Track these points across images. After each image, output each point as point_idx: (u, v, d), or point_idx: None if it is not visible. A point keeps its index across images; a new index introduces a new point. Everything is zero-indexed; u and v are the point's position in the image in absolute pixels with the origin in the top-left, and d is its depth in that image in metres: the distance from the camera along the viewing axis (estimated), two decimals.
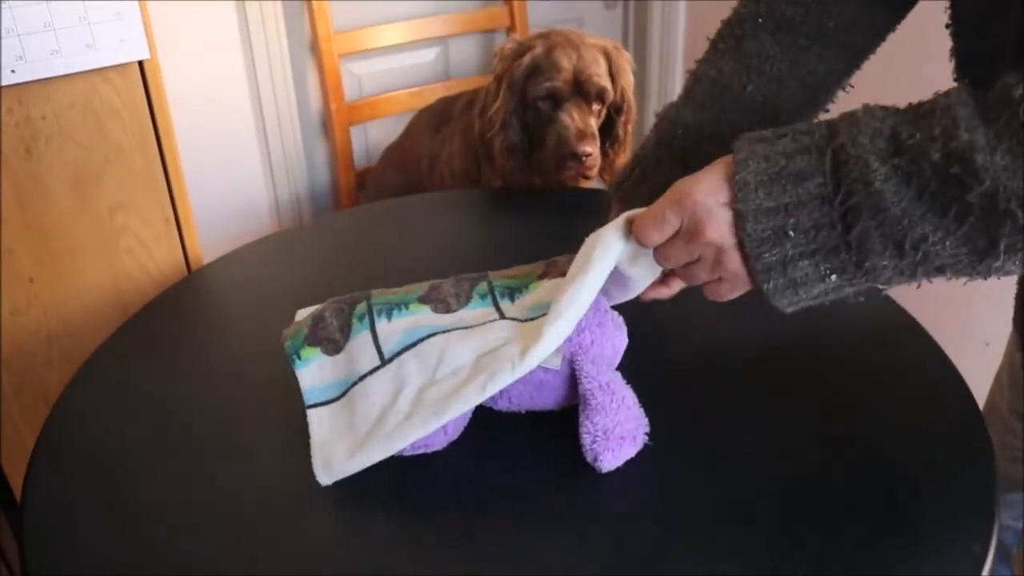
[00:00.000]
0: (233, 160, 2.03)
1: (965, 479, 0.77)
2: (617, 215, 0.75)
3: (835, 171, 0.61)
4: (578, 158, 1.40)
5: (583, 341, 0.81)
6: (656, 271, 0.78)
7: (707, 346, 0.95)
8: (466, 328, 0.81)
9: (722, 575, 0.68)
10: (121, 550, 0.73)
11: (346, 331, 0.83)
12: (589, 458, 0.77)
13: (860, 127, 0.61)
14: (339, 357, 0.83)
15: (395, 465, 0.79)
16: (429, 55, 2.28)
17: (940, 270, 0.61)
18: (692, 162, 0.85)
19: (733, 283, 0.70)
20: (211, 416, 0.89)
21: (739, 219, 0.65)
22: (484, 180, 1.55)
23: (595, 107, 1.45)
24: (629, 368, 0.84)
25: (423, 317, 0.83)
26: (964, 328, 1.62)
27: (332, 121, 2.09)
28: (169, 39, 1.63)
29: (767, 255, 0.65)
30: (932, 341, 0.95)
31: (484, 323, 0.82)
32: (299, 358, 0.84)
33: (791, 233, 0.64)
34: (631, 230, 0.73)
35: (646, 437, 0.79)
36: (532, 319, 0.81)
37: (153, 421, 0.89)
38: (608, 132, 1.51)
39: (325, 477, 0.78)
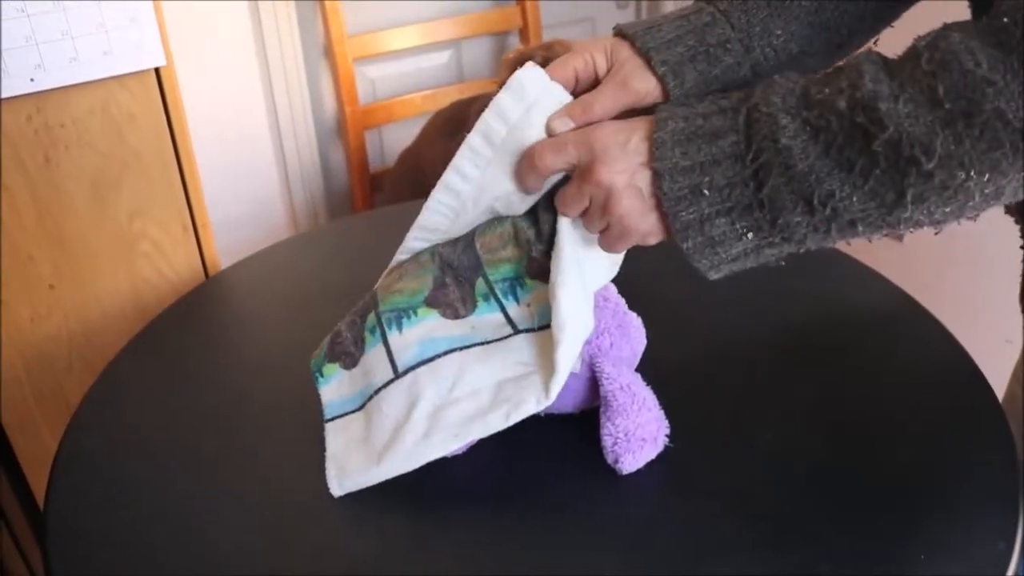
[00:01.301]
0: (248, 165, 2.04)
1: (988, 476, 0.76)
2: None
3: (747, 129, 0.62)
4: None
5: (602, 344, 0.81)
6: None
7: (724, 345, 0.95)
8: (483, 344, 0.81)
9: (744, 575, 0.68)
10: (144, 556, 0.74)
11: (360, 344, 0.83)
12: (610, 460, 0.77)
13: (774, 88, 0.62)
14: (356, 371, 0.83)
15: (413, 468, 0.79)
16: (442, 58, 2.29)
17: (852, 225, 0.62)
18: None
19: (621, 231, 0.70)
20: (231, 421, 0.89)
21: (656, 177, 0.65)
22: None
23: None
24: (646, 369, 0.84)
25: (434, 325, 0.82)
26: (984, 325, 1.61)
27: (346, 125, 2.10)
28: (184, 45, 1.64)
29: (684, 213, 0.65)
30: (952, 337, 0.94)
31: (501, 338, 0.81)
32: (322, 376, 0.84)
33: (706, 192, 0.64)
34: (533, 165, 0.72)
35: (666, 439, 0.79)
36: (545, 327, 0.81)
37: (174, 426, 0.89)
38: None
39: (338, 488, 0.78)
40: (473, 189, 0.77)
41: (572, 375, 0.80)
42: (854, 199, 0.60)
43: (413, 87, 2.24)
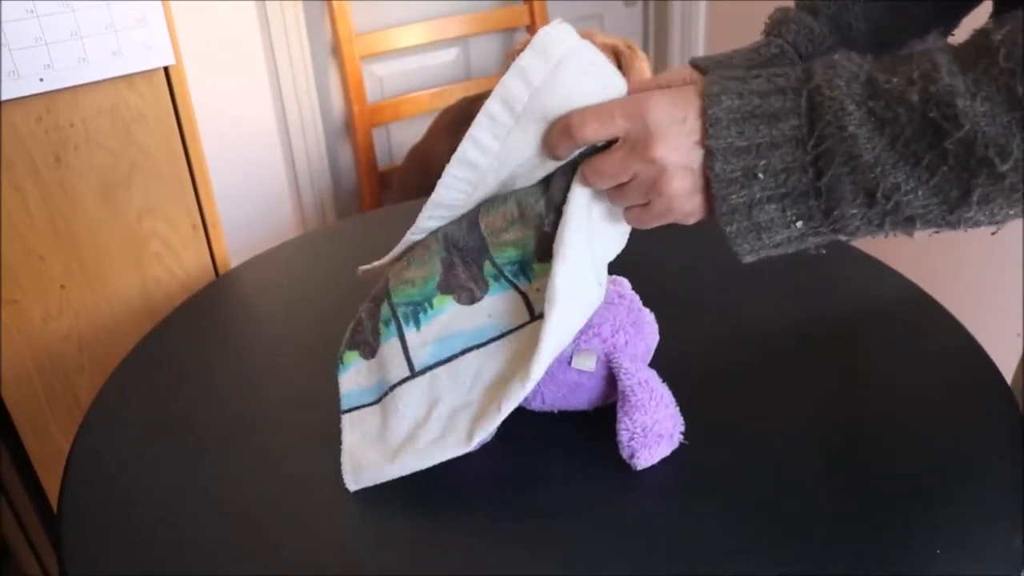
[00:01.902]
0: (257, 163, 2.04)
1: (1002, 472, 0.76)
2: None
3: (810, 112, 0.59)
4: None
5: (618, 341, 0.80)
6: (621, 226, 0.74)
7: (737, 341, 0.95)
8: (501, 337, 0.78)
9: (758, 574, 0.68)
10: (159, 554, 0.74)
11: (376, 335, 0.82)
12: (625, 455, 0.77)
13: (837, 70, 0.59)
14: (373, 362, 0.82)
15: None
16: (449, 55, 2.29)
17: (909, 221, 0.60)
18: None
19: (663, 210, 0.67)
20: (242, 419, 0.89)
21: (708, 157, 0.62)
22: None
23: None
24: (659, 366, 0.84)
25: (452, 317, 0.80)
26: (995, 319, 1.60)
27: (354, 122, 2.10)
28: (192, 44, 1.64)
29: (734, 196, 0.63)
30: (966, 332, 0.94)
31: (520, 328, 0.78)
32: (342, 363, 0.83)
33: (760, 175, 0.61)
34: (571, 134, 0.67)
35: (681, 436, 0.78)
36: None
37: (185, 425, 0.89)
38: None
39: (353, 483, 0.78)
40: (492, 161, 0.72)
41: (588, 374, 0.80)
42: (919, 192, 0.57)
43: (421, 85, 2.24)
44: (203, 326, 1.08)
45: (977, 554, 0.68)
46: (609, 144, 0.67)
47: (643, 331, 0.84)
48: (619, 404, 0.78)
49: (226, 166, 1.90)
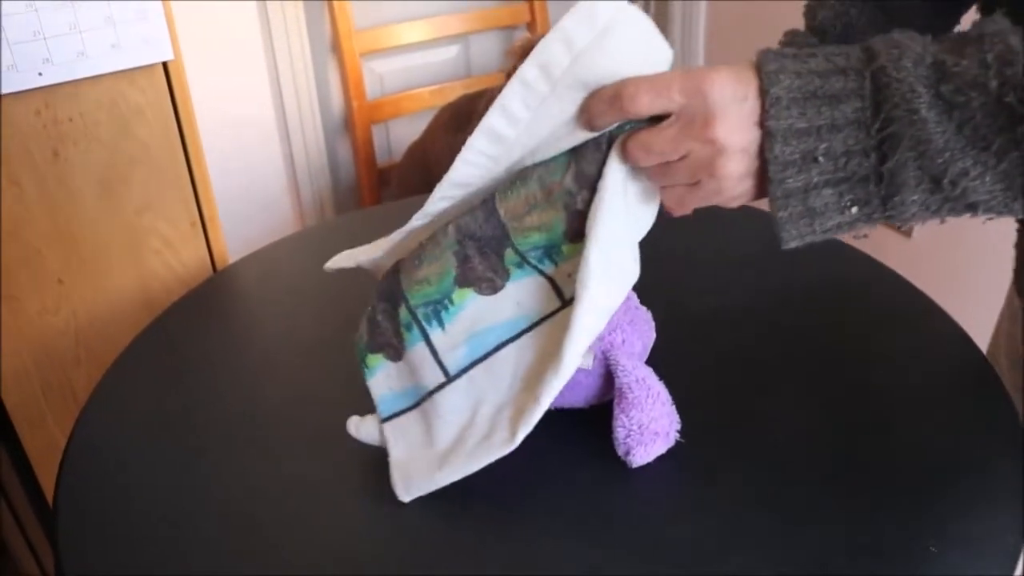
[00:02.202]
0: (256, 159, 2.04)
1: (999, 470, 0.76)
2: None
3: (875, 94, 0.56)
4: None
5: (615, 340, 0.80)
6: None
7: (732, 339, 0.95)
8: (533, 327, 0.74)
9: (755, 572, 0.68)
10: (155, 549, 0.74)
11: (400, 339, 0.77)
12: (621, 452, 0.77)
13: (903, 50, 0.56)
14: (402, 364, 0.78)
15: None
16: (450, 52, 2.29)
17: (971, 207, 0.58)
18: None
19: (710, 193, 0.63)
20: (240, 415, 0.89)
21: (768, 138, 0.59)
22: None
23: None
24: (655, 365, 0.84)
25: (477, 311, 0.74)
26: (991, 320, 1.60)
27: (354, 119, 2.10)
28: (192, 40, 1.64)
29: (791, 180, 0.60)
30: (962, 331, 0.94)
31: (551, 316, 0.73)
32: (367, 367, 0.79)
33: (820, 159, 0.59)
34: (620, 105, 0.62)
35: (678, 434, 0.78)
36: None
37: (182, 420, 0.89)
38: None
39: (405, 494, 0.75)
40: (519, 133, 0.66)
41: (584, 371, 0.80)
42: (986, 180, 0.55)
43: (421, 82, 2.24)
44: (201, 321, 1.08)
45: (974, 550, 0.68)
46: (655, 119, 0.63)
47: (640, 329, 0.84)
48: (616, 401, 0.78)
49: (225, 162, 1.89)
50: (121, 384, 0.96)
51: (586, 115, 0.64)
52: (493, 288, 0.74)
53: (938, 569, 0.67)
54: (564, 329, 0.68)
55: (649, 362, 0.85)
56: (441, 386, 0.75)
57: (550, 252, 0.72)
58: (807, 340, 0.94)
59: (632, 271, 0.69)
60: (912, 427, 0.81)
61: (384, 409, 0.78)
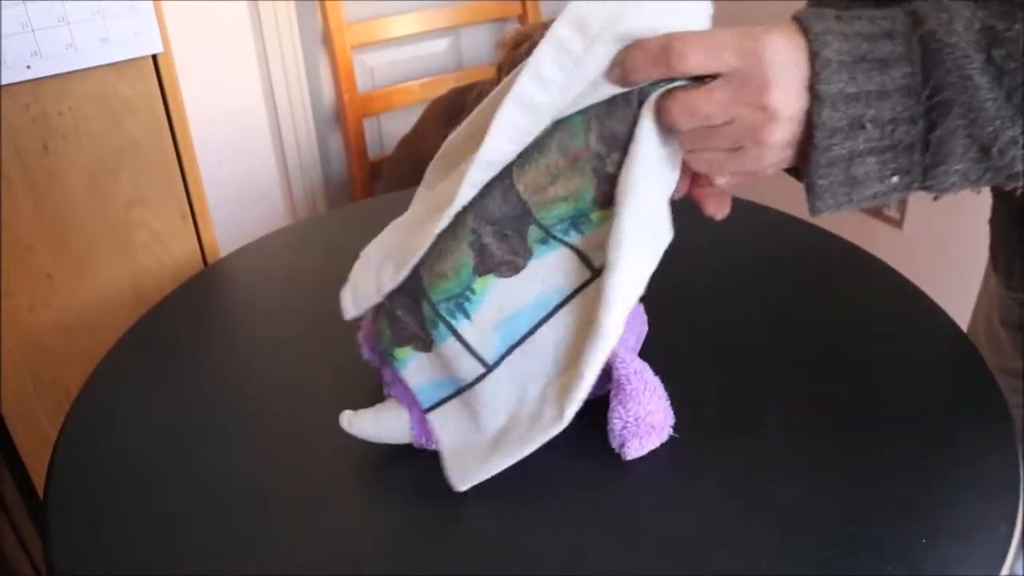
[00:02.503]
0: (247, 153, 2.04)
1: (988, 461, 0.76)
2: None
3: (924, 60, 0.54)
4: None
5: None
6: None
7: (723, 333, 0.95)
8: (565, 303, 0.70)
9: (747, 566, 0.68)
10: (146, 545, 0.74)
11: (426, 332, 0.74)
12: (615, 444, 0.77)
13: (952, 14, 0.54)
14: (433, 356, 0.74)
15: (415, 456, 0.79)
16: (441, 45, 2.28)
17: (1013, 178, 0.56)
18: None
19: (750, 160, 0.60)
20: (231, 409, 0.89)
21: (817, 103, 0.56)
22: None
23: None
24: (648, 354, 0.84)
25: (502, 297, 0.71)
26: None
27: (345, 112, 2.09)
28: (182, 32, 1.63)
29: (836, 148, 0.57)
30: (954, 323, 0.94)
31: (583, 288, 0.69)
32: (396, 359, 0.76)
33: (867, 125, 0.56)
34: (667, 63, 0.58)
35: (671, 430, 0.78)
36: None
37: (174, 415, 0.89)
38: None
39: (461, 483, 0.73)
40: (553, 98, 0.62)
41: None
42: None
43: (412, 75, 2.24)
44: (192, 315, 1.08)
45: (966, 541, 0.69)
46: (696, 78, 0.59)
47: (632, 322, 0.84)
48: (612, 393, 0.78)
49: (216, 156, 1.89)
50: (112, 379, 0.95)
51: (621, 68, 0.60)
52: (515, 269, 0.70)
53: (930, 560, 0.67)
54: (599, 299, 0.64)
55: (641, 356, 0.85)
56: (481, 376, 0.72)
57: (577, 222, 0.68)
58: (799, 334, 0.94)
59: (666, 233, 0.66)
60: (904, 419, 0.81)
61: (425, 399, 0.75)
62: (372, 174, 2.17)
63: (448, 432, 0.75)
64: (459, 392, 0.75)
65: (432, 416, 0.76)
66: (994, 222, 0.90)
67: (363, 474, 0.79)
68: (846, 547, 0.68)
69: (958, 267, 2.01)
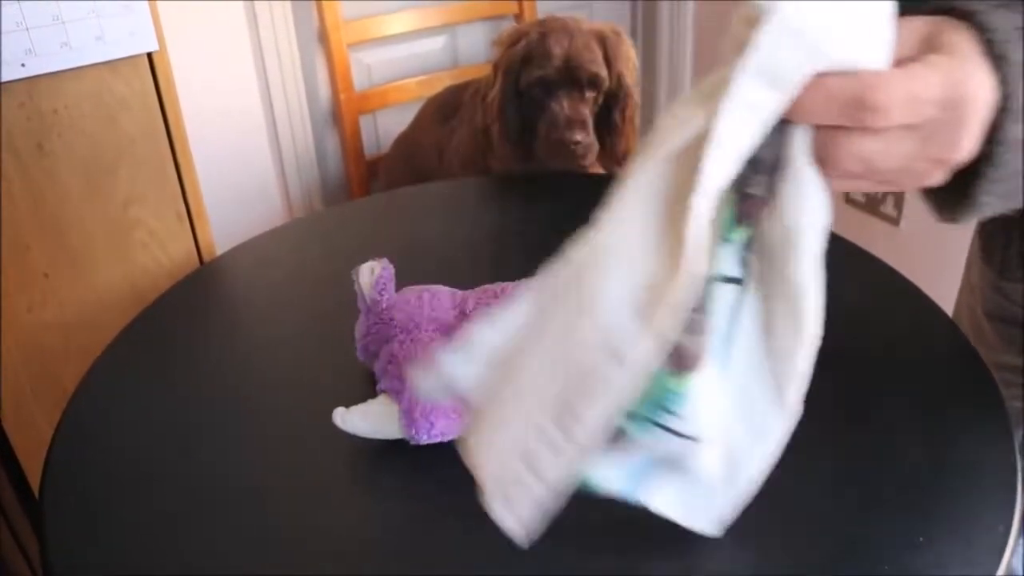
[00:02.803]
0: (243, 151, 2.03)
1: (986, 458, 0.76)
2: None
3: None
4: (567, 146, 1.39)
5: None
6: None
7: None
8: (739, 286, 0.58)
9: (744, 565, 0.68)
10: (142, 544, 0.73)
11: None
12: None
13: None
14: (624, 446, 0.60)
15: (410, 453, 0.79)
16: (437, 43, 2.28)
17: None
18: None
19: (895, 187, 0.53)
20: (227, 407, 0.89)
21: (1002, 115, 0.50)
22: (491, 169, 1.54)
23: (588, 94, 1.43)
24: None
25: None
26: None
27: (342, 110, 2.09)
28: (177, 30, 1.63)
29: (1012, 162, 0.52)
30: (951, 322, 0.94)
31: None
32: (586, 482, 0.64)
33: None
34: (863, 119, 0.47)
35: None
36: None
37: (170, 413, 0.89)
38: (607, 120, 1.49)
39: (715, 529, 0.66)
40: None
41: None
42: None
43: (408, 72, 2.23)
44: (188, 314, 1.07)
45: (963, 542, 0.69)
46: None
47: None
48: None
49: (212, 154, 1.88)
50: (108, 378, 0.95)
51: (801, 112, 0.49)
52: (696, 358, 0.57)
53: (928, 560, 0.67)
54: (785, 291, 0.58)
55: None
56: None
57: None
58: None
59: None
60: (901, 419, 0.81)
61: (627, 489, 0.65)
62: (369, 172, 2.17)
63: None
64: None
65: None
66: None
67: (359, 471, 0.79)
68: (843, 546, 0.68)
69: (955, 265, 2.01)
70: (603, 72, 1.43)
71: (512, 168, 1.47)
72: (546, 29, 1.44)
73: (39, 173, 1.10)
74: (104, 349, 0.99)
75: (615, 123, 1.49)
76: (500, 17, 2.29)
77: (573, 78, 1.41)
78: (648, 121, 2.56)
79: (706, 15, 2.31)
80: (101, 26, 1.07)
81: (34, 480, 1.29)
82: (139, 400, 0.91)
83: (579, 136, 1.39)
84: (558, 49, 1.40)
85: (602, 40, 1.45)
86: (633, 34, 2.54)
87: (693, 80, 2.43)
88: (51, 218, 1.14)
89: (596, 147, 1.43)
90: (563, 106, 1.40)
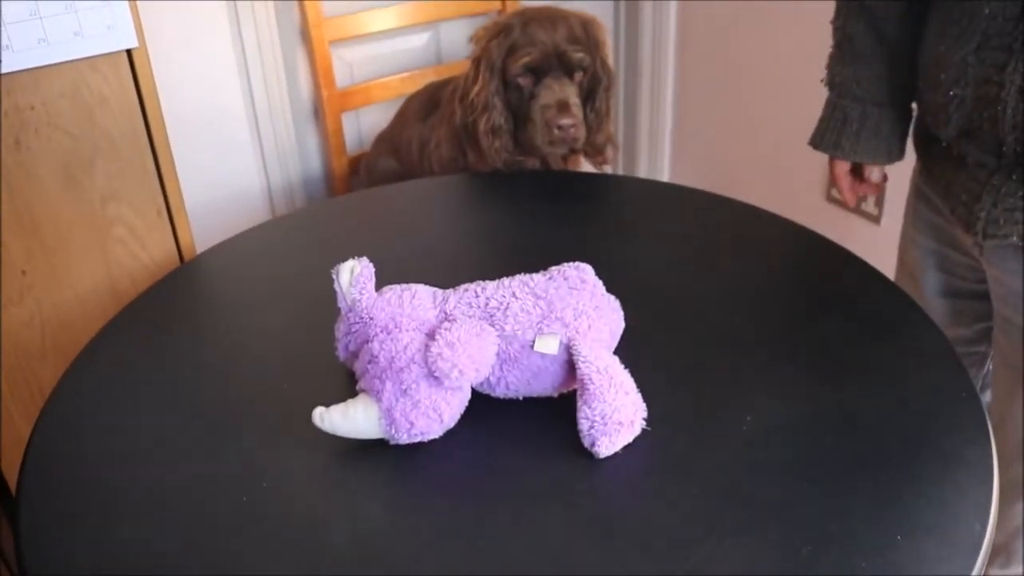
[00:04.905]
0: (225, 148, 2.02)
1: (963, 459, 0.76)
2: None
3: None
4: (563, 129, 1.39)
5: (580, 326, 0.80)
6: None
7: (701, 328, 0.95)
8: None
9: (723, 563, 0.68)
10: (117, 542, 0.73)
11: None
12: (586, 443, 0.77)
13: None
14: None
15: (390, 453, 0.79)
16: (420, 40, 2.27)
17: None
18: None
19: None
20: (205, 407, 0.88)
21: None
22: (471, 166, 1.54)
23: (576, 77, 1.44)
24: (625, 352, 0.84)
25: None
26: None
27: (324, 108, 2.08)
28: (157, 26, 1.62)
29: None
30: (929, 320, 0.95)
31: None
32: None
33: None
34: None
35: (644, 422, 0.78)
36: None
37: (148, 413, 0.88)
38: (590, 104, 1.50)
39: None
40: None
41: (551, 358, 0.80)
42: None
43: (391, 70, 2.22)
44: (167, 312, 1.07)
45: (941, 538, 0.69)
46: None
47: (606, 316, 0.84)
48: (578, 392, 0.78)
49: (194, 151, 1.87)
50: (87, 376, 0.95)
51: None
52: None
53: (906, 557, 0.67)
54: None
55: (618, 350, 0.85)
56: None
57: None
58: (776, 329, 0.95)
59: None
60: (880, 416, 0.81)
61: None
62: (351, 169, 2.16)
63: None
64: None
65: None
66: (973, 179, 0.95)
67: (338, 471, 0.79)
68: (823, 544, 0.68)
69: None
70: (588, 55, 1.44)
71: (497, 162, 1.47)
72: (527, 18, 1.44)
73: (16, 169, 1.09)
74: (83, 347, 0.99)
75: (599, 107, 1.50)
76: (484, 14, 2.29)
77: (562, 62, 1.42)
78: (630, 119, 2.56)
79: (688, 23, 2.31)
80: (79, 22, 1.06)
81: (10, 477, 1.28)
82: (118, 399, 0.91)
83: (570, 119, 1.39)
84: (544, 35, 1.41)
85: (584, 25, 1.46)
86: (615, 40, 2.54)
87: (675, 79, 2.43)
88: (28, 214, 1.13)
89: (584, 131, 1.44)
90: (553, 90, 1.41)
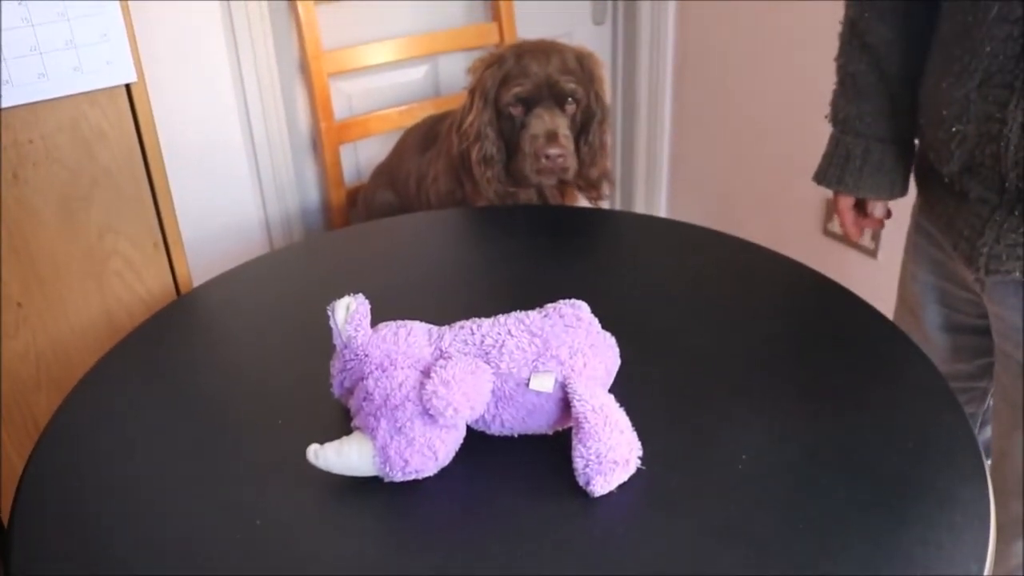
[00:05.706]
0: (223, 180, 2.03)
1: (958, 497, 0.76)
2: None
3: None
4: (551, 159, 1.40)
5: (576, 364, 0.80)
6: None
7: (697, 364, 0.95)
8: None
9: (716, 562, 0.68)
10: None
11: None
12: (581, 482, 0.77)
13: None
14: None
15: (385, 491, 0.78)
16: (418, 73, 2.28)
17: None
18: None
19: None
20: (201, 442, 0.88)
21: None
22: (468, 198, 1.55)
23: (568, 109, 1.45)
24: (620, 390, 0.84)
25: None
26: None
27: (322, 140, 2.09)
28: (157, 60, 1.62)
29: None
30: (922, 354, 0.95)
31: None
32: None
33: None
34: None
35: (639, 461, 0.78)
36: None
37: (143, 446, 0.88)
38: (584, 138, 1.51)
39: None
40: None
41: (545, 396, 0.80)
42: None
43: (390, 102, 2.24)
44: (164, 345, 1.07)
45: (934, 546, 0.69)
46: None
47: (602, 354, 0.83)
48: (573, 431, 0.78)
49: (192, 184, 1.88)
50: (82, 409, 0.94)
51: None
52: None
53: (898, 565, 0.67)
54: None
55: (613, 387, 0.85)
56: None
57: None
58: (772, 367, 0.95)
59: None
60: (877, 456, 0.81)
61: None
62: (349, 201, 2.17)
63: None
64: None
65: None
66: (975, 215, 0.96)
67: (332, 508, 0.78)
68: (815, 548, 0.68)
69: None
70: (581, 87, 1.45)
71: (489, 192, 1.47)
72: (522, 50, 1.46)
73: (13, 202, 1.10)
74: (78, 381, 0.98)
75: (593, 141, 1.50)
76: (481, 47, 2.30)
77: (552, 93, 1.43)
78: (627, 154, 2.57)
79: (686, 44, 2.33)
80: (78, 57, 1.07)
81: (3, 511, 1.27)
82: (113, 433, 0.90)
83: (556, 149, 1.40)
84: (536, 67, 1.42)
85: (578, 59, 1.47)
86: (613, 61, 2.56)
87: (672, 114, 2.44)
88: (24, 246, 1.13)
89: (575, 163, 1.44)
90: (543, 120, 1.41)
